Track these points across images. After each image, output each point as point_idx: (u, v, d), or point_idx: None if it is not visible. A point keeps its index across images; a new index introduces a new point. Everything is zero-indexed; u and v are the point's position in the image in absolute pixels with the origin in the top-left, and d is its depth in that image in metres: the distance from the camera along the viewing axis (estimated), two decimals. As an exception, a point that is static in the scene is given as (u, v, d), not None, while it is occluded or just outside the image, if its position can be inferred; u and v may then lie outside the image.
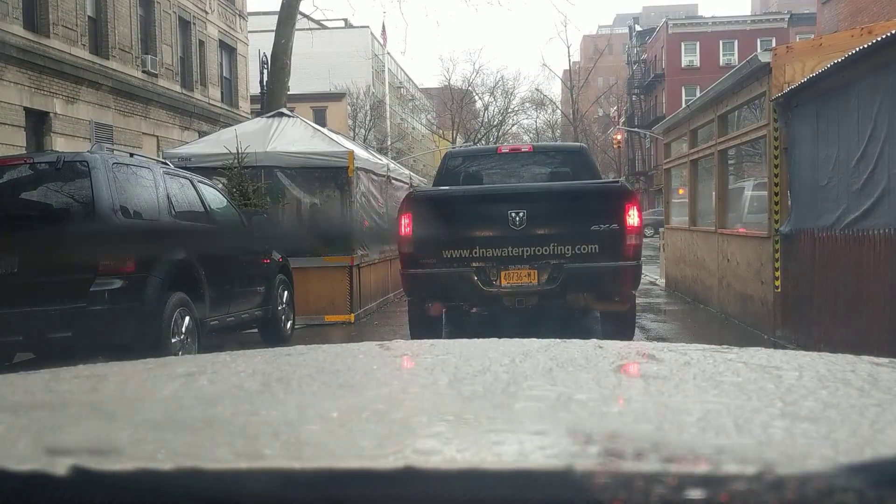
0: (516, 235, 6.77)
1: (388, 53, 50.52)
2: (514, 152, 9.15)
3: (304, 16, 22.22)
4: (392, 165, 14.58)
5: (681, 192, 13.47)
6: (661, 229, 14.82)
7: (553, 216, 6.93)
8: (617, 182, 7.66)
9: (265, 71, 17.85)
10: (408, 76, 61.11)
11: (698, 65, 49.16)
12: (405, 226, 6.91)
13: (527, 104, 53.17)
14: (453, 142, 45.12)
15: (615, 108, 64.09)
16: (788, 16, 48.59)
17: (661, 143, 17.43)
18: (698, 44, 50.17)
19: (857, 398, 0.89)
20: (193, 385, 1.10)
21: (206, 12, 23.95)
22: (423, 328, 7.24)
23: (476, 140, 46.32)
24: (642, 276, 7.86)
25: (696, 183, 11.62)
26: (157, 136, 20.11)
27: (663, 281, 13.87)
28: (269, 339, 8.40)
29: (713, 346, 1.29)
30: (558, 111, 56.26)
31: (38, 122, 15.67)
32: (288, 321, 8.90)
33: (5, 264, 5.85)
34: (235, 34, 26.49)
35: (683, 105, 15.30)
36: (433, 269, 6.90)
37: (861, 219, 5.85)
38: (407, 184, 14.04)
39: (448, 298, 7.34)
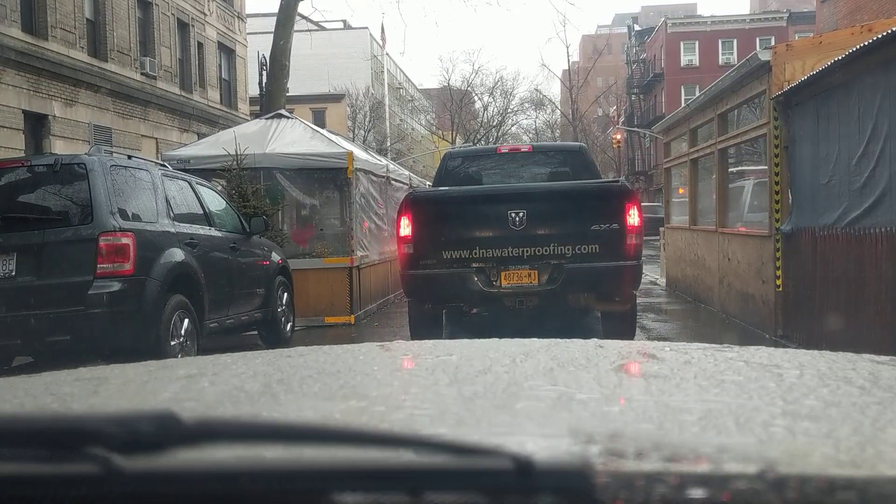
0: (516, 235, 6.76)
1: (387, 54, 50.48)
2: (514, 152, 9.14)
3: (303, 17, 22.23)
4: (391, 166, 14.58)
5: (681, 191, 13.47)
6: (660, 228, 14.82)
7: (553, 216, 6.92)
8: (617, 181, 7.66)
9: (264, 73, 17.84)
10: (407, 77, 61.05)
11: (697, 64, 49.15)
12: (405, 226, 6.90)
13: (526, 104, 53.16)
14: (453, 142, 45.10)
15: (614, 107, 64.09)
16: (787, 14, 48.54)
17: (661, 142, 17.42)
18: (697, 43, 50.16)
19: (858, 396, 0.89)
20: (194, 387, 1.10)
21: (205, 14, 23.95)
22: (423, 329, 7.23)
23: (475, 140, 46.29)
24: (643, 275, 7.85)
25: (696, 182, 11.61)
26: (156, 139, 20.10)
27: (664, 280, 13.87)
28: (268, 340, 8.39)
29: (714, 346, 1.29)
30: (558, 111, 56.25)
31: (36, 125, 15.66)
32: (288, 323, 8.89)
33: (3, 267, 5.84)
34: (234, 36, 26.49)
35: (683, 104, 15.28)
36: (433, 270, 6.89)
37: (862, 217, 5.85)
38: (406, 184, 14.04)
39: (448, 299, 7.33)
